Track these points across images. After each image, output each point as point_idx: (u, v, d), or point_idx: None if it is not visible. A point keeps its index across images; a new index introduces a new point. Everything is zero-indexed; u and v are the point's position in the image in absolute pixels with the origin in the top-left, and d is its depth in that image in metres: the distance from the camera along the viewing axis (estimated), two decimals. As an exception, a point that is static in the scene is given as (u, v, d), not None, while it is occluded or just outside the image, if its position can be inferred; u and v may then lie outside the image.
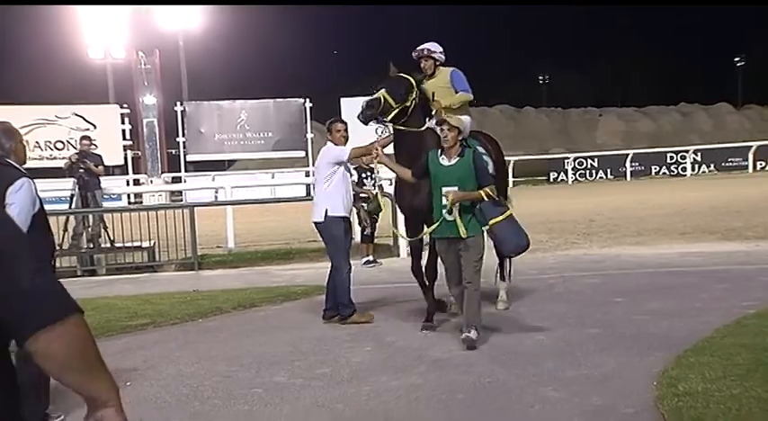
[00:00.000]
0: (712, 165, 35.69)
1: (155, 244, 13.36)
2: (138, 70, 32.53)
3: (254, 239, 15.31)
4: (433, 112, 7.80)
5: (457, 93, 8.26)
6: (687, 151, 36.43)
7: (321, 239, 8.67)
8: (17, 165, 5.32)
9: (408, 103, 7.64)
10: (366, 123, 7.71)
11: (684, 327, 7.30)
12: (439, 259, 7.61)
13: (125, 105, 31.65)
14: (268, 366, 6.74)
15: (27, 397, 4.89)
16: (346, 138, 8.38)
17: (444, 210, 7.00)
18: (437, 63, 8.34)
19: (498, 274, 8.84)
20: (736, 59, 78.12)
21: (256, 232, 16.63)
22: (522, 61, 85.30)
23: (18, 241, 2.05)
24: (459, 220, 6.92)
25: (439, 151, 7.19)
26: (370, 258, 12.23)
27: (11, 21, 63.67)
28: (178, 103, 31.88)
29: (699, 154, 36.22)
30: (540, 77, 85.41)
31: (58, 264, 13.15)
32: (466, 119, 7.61)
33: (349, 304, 8.22)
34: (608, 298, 9.00)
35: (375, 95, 7.60)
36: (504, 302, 8.68)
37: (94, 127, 29.31)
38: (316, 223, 8.32)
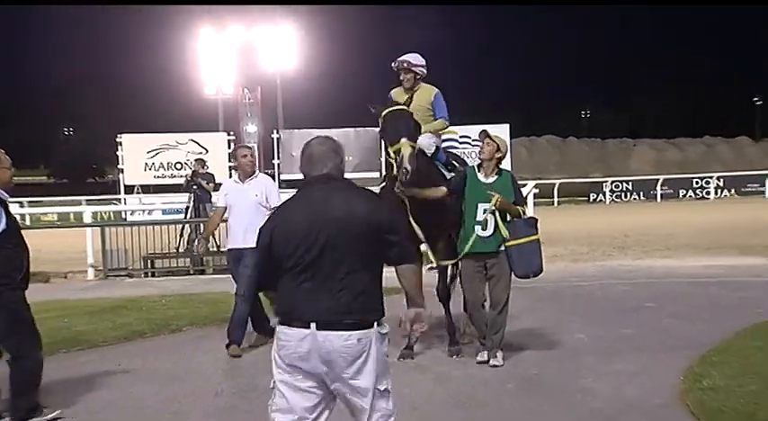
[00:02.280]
0: (733, 190, 34.99)
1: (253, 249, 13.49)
2: (242, 104, 33.13)
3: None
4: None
5: (436, 118, 6.79)
6: (711, 177, 35.76)
7: None
8: None
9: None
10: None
11: (707, 330, 7.12)
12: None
13: (231, 133, 32.16)
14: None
15: (15, 394, 4.98)
16: (252, 165, 7.18)
17: (479, 226, 6.10)
18: (417, 77, 6.70)
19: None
20: (755, 99, 77.35)
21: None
22: (567, 98, 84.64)
23: None
24: (500, 224, 6.04)
25: (476, 168, 6.33)
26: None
27: (145, 66, 65.70)
28: (275, 131, 32.25)
29: (721, 180, 35.58)
30: (582, 112, 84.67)
31: (174, 264, 13.61)
32: (431, 139, 6.68)
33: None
34: (640, 303, 8.83)
35: (405, 154, 5.94)
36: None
37: (207, 151, 29.78)
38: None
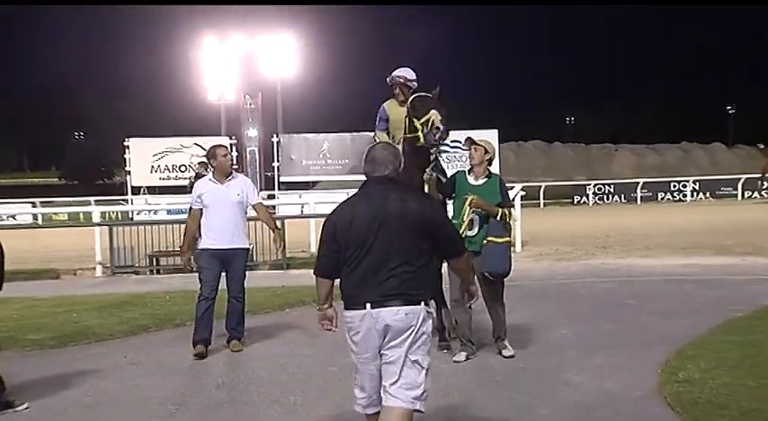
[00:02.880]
0: (708, 193, 35.04)
1: (252, 247, 13.48)
2: (244, 109, 33.06)
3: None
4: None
5: None
6: (687, 181, 35.83)
7: None
8: None
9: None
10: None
11: (684, 326, 7.13)
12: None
13: (233, 137, 32.16)
14: (341, 349, 6.70)
15: None
16: (231, 164, 7.07)
17: (464, 226, 6.02)
18: (410, 90, 6.69)
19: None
20: (728, 107, 78.07)
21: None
22: (553, 105, 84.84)
23: None
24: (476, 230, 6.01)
25: (467, 172, 6.33)
26: None
27: (152, 73, 65.59)
28: (274, 136, 32.29)
29: (697, 184, 35.64)
30: (567, 118, 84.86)
31: (179, 262, 13.48)
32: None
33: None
34: (621, 300, 8.83)
35: (435, 119, 6.03)
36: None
37: (210, 154, 29.86)
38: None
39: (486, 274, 6.06)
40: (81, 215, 23.56)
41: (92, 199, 30.41)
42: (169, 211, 21.86)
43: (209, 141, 31.75)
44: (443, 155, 6.99)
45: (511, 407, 4.94)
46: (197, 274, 7.00)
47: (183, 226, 14.03)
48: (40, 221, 21.49)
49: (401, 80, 6.76)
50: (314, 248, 14.29)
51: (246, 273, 7.02)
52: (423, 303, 3.67)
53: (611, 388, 5.28)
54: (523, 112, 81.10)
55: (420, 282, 3.69)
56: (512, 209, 6.48)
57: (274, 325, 8.04)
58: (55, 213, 26.54)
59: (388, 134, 6.85)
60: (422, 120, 6.12)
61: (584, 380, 5.47)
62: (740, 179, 34.76)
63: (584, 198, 34.77)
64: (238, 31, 34.13)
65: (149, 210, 25.61)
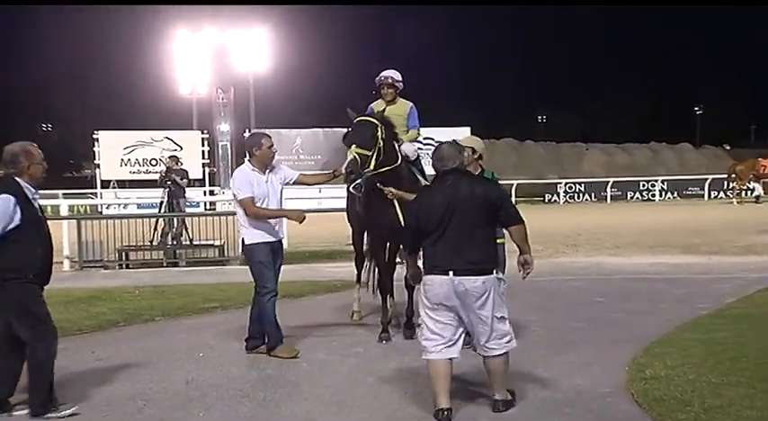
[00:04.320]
0: (676, 193, 35.50)
1: (224, 242, 13.42)
2: (216, 103, 32.83)
3: (304, 241, 15.28)
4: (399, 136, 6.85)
5: (409, 128, 7.19)
6: (656, 181, 36.28)
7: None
8: (22, 183, 4.82)
9: (380, 143, 6.44)
10: (355, 187, 6.52)
11: (651, 324, 7.24)
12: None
13: (205, 131, 31.89)
14: (312, 345, 6.73)
15: (30, 387, 4.91)
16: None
17: None
18: (397, 91, 7.11)
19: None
20: (696, 108, 79.18)
21: (306, 235, 16.60)
22: (524, 103, 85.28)
23: None
24: None
25: None
26: None
27: (122, 65, 64.82)
28: (247, 130, 32.05)
29: (665, 183, 36.09)
30: (539, 117, 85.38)
31: (148, 257, 13.46)
32: (413, 146, 7.05)
33: (276, 332, 6.42)
34: (591, 298, 8.93)
35: (348, 158, 6.32)
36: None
37: (181, 148, 29.52)
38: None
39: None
40: (48, 208, 23.22)
41: (59, 192, 29.98)
42: (139, 206, 21.67)
43: (180, 135, 31.62)
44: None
45: (481, 404, 4.96)
46: (251, 271, 6.52)
47: (153, 220, 14.05)
48: (6, 214, 21.18)
49: (389, 81, 7.05)
50: (285, 244, 14.18)
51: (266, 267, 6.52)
52: (494, 271, 4.67)
53: (580, 384, 5.34)
54: (496, 110, 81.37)
55: (490, 253, 4.72)
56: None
57: (246, 320, 7.99)
58: (22, 206, 26.06)
59: None
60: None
61: (553, 377, 5.52)
62: (707, 179, 35.29)
63: (556, 196, 35.04)
64: (211, 24, 33.87)
65: (119, 204, 25.33)
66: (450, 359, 4.71)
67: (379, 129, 6.46)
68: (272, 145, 6.40)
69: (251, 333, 6.55)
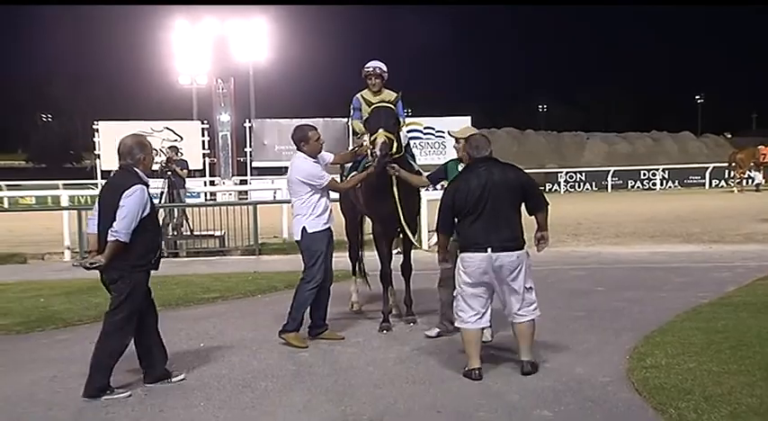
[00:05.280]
0: (677, 182, 35.48)
1: (225, 233, 13.42)
2: (216, 94, 32.76)
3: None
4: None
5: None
6: (657, 169, 36.24)
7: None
8: (141, 174, 5.13)
9: (398, 129, 6.65)
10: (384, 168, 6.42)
11: (652, 313, 7.24)
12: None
13: (205, 122, 31.90)
14: (313, 334, 6.72)
15: (93, 369, 5.04)
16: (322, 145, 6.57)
17: None
18: (383, 81, 7.12)
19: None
20: (697, 97, 78.89)
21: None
22: (526, 93, 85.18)
23: None
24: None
25: (457, 161, 6.44)
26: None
27: (121, 56, 64.65)
28: (247, 121, 32.07)
29: (666, 172, 36.06)
30: (540, 106, 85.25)
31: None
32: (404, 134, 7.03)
33: (295, 320, 6.42)
34: (591, 287, 8.93)
35: (380, 139, 6.31)
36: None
37: (181, 138, 29.55)
38: (296, 241, 6.54)
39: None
40: (49, 199, 23.26)
41: (60, 182, 29.98)
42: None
43: (180, 126, 31.59)
44: (415, 141, 6.99)
45: (481, 393, 4.97)
46: (309, 258, 6.43)
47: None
48: (6, 205, 21.16)
49: (377, 71, 7.06)
50: (285, 234, 14.20)
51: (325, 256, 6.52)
52: (524, 247, 5.26)
53: (581, 373, 5.34)
54: (496, 100, 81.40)
55: (520, 231, 5.29)
56: None
57: (246, 311, 8.01)
58: (22, 197, 26.15)
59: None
60: (371, 138, 6.41)
61: (553, 366, 5.52)
62: (708, 168, 35.25)
63: (556, 186, 35.03)
64: (210, 14, 33.77)
65: (119, 195, 25.30)
66: (482, 328, 5.36)
67: (397, 117, 6.64)
68: (319, 137, 6.49)
69: (314, 320, 6.57)
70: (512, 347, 5.98)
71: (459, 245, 5.37)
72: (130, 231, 4.93)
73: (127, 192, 4.95)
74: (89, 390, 5.00)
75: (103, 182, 29.77)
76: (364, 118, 6.83)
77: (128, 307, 5.06)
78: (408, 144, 7.19)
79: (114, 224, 4.90)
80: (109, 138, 30.35)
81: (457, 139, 6.39)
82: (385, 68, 7.14)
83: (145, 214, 5.00)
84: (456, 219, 5.34)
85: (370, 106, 6.75)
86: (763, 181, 27.77)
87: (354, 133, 7.23)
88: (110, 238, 4.91)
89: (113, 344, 5.09)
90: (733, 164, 29.21)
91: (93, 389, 5.00)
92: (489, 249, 5.13)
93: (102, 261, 4.94)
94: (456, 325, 5.45)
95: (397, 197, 6.60)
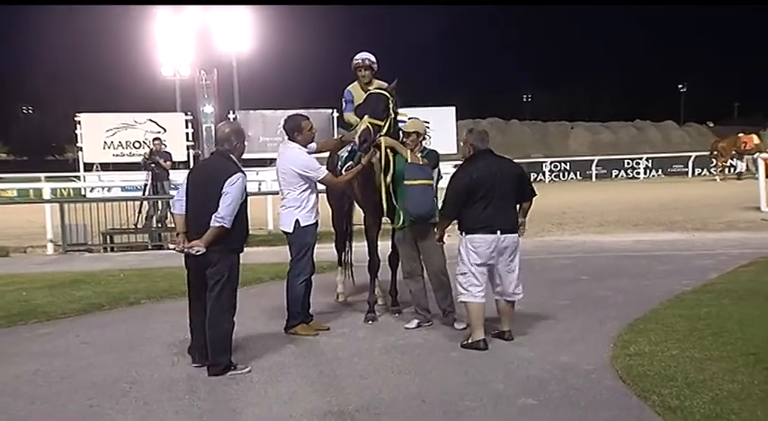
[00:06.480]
0: (660, 171, 35.73)
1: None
2: (199, 85, 32.64)
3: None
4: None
5: None
6: (641, 158, 36.50)
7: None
8: (236, 161, 5.39)
9: (392, 115, 6.54)
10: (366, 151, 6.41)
11: (635, 300, 7.28)
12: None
13: (189, 113, 31.76)
14: (298, 325, 6.70)
15: (214, 352, 5.27)
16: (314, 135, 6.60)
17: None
18: (373, 72, 7.11)
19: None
20: (680, 86, 79.26)
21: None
22: (510, 82, 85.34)
23: None
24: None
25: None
26: None
27: (103, 46, 64.06)
28: (231, 112, 31.93)
29: (650, 161, 36.32)
30: (524, 96, 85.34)
31: (133, 240, 13.39)
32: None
33: (299, 313, 6.48)
34: (576, 276, 8.98)
35: (361, 126, 6.32)
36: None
37: (165, 130, 29.39)
38: (285, 233, 6.51)
39: (414, 216, 6.36)
40: (31, 191, 23.06)
41: (42, 175, 29.72)
42: (123, 188, 21.49)
43: (163, 117, 31.40)
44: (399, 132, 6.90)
45: (466, 382, 4.98)
46: (307, 251, 6.49)
47: (137, 203, 13.93)
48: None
49: (366, 62, 7.07)
50: (271, 226, 14.17)
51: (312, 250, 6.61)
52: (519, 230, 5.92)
53: (566, 362, 5.36)
54: (481, 90, 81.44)
55: (516, 215, 5.90)
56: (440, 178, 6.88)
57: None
58: (3, 190, 25.92)
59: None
60: (357, 127, 6.46)
61: (538, 355, 5.55)
62: (691, 157, 35.49)
63: (541, 175, 35.20)
64: (193, 3, 33.54)
65: (103, 187, 25.14)
66: (483, 302, 5.78)
67: (390, 101, 6.56)
68: (312, 126, 6.59)
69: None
70: (495, 338, 6.00)
71: (467, 227, 5.76)
72: (234, 217, 5.17)
73: (230, 179, 5.18)
74: (215, 371, 5.23)
75: (87, 174, 29.55)
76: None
77: (229, 286, 5.30)
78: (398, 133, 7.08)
79: (219, 210, 5.13)
80: (91, 130, 30.20)
81: (407, 134, 6.51)
82: (374, 59, 7.13)
83: (243, 200, 5.27)
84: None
85: (360, 98, 6.78)
86: (745, 169, 28.03)
87: (350, 125, 7.14)
88: (214, 224, 5.13)
89: (226, 325, 5.32)
90: (715, 152, 29.42)
91: (219, 370, 5.24)
92: (499, 231, 5.67)
93: (203, 249, 5.16)
94: (462, 300, 5.80)
95: (383, 185, 6.50)
